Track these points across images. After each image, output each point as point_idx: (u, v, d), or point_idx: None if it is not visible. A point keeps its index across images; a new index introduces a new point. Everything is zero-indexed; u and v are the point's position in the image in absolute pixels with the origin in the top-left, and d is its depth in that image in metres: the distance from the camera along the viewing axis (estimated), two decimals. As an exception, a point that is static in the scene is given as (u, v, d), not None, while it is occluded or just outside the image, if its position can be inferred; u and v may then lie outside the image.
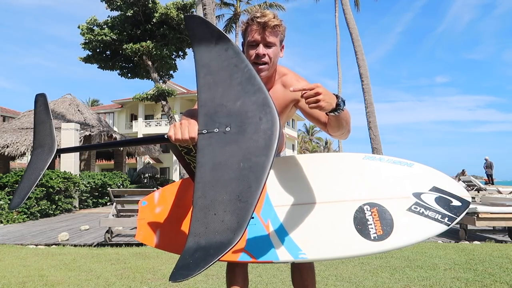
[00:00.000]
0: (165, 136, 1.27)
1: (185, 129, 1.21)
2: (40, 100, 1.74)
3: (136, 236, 1.67)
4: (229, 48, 1.24)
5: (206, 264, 0.98)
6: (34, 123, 1.74)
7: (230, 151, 1.13)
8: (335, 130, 1.47)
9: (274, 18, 1.44)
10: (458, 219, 1.34)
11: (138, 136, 26.32)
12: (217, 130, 1.17)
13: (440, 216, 1.34)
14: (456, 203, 1.37)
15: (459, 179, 13.73)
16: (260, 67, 1.47)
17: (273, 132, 1.11)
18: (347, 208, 1.42)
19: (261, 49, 1.45)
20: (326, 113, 1.35)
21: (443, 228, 1.32)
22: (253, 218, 1.48)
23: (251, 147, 1.11)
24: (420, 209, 1.36)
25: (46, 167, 1.63)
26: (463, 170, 16.91)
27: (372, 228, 1.35)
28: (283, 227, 1.43)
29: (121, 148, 15.79)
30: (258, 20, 1.43)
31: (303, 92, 1.24)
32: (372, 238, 1.34)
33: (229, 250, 0.98)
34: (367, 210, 1.39)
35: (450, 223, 1.33)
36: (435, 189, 1.41)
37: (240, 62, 1.22)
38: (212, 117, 1.19)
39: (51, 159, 1.63)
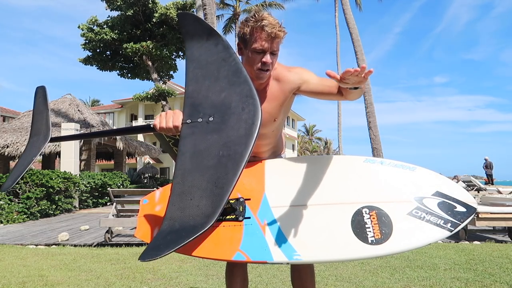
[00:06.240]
0: (151, 125, 1.31)
1: (169, 118, 1.27)
2: (40, 92, 1.83)
3: (136, 233, 1.67)
4: (219, 43, 1.28)
5: (176, 246, 1.02)
6: (32, 113, 1.81)
7: (211, 139, 1.16)
8: (355, 97, 1.50)
9: (280, 28, 1.49)
10: (462, 225, 1.30)
11: (138, 137, 26.36)
12: (201, 120, 1.20)
13: (442, 221, 1.30)
14: (460, 208, 1.33)
15: (458, 180, 13.67)
16: (265, 74, 1.54)
17: (254, 122, 1.13)
18: (345, 210, 1.40)
19: (268, 58, 1.51)
20: (350, 89, 1.34)
21: (445, 233, 1.29)
22: (249, 218, 1.47)
23: (231, 136, 1.14)
24: (421, 214, 1.33)
25: (39, 154, 1.70)
26: (455, 176, 16.67)
27: (370, 231, 1.33)
28: (279, 228, 1.42)
29: (121, 148, 15.77)
30: (268, 30, 1.46)
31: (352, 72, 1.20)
32: (370, 241, 1.31)
33: (200, 234, 1.02)
34: (366, 213, 1.37)
35: (453, 229, 1.29)
36: (438, 194, 1.38)
37: (228, 56, 1.26)
38: (197, 107, 1.23)
39: (45, 146, 1.71)
